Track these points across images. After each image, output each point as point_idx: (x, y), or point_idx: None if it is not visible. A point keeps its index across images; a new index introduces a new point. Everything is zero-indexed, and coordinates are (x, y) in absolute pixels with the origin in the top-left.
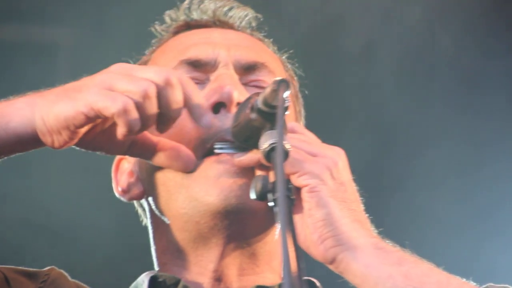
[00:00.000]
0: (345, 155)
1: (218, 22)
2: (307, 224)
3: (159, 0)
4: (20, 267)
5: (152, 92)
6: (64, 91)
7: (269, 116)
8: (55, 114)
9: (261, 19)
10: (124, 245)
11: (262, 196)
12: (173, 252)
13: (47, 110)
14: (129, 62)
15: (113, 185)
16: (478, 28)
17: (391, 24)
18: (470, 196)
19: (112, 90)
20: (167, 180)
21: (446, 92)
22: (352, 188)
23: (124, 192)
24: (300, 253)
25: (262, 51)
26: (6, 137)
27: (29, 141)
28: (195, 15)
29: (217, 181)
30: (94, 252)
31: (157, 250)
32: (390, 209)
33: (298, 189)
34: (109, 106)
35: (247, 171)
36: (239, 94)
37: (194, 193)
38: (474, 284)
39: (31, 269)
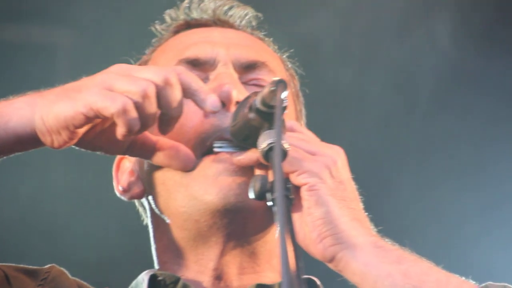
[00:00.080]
0: (344, 154)
1: (218, 21)
2: (306, 222)
3: (159, 0)
4: (21, 265)
5: (152, 92)
6: (64, 91)
7: (267, 116)
8: (55, 114)
9: (262, 18)
10: (124, 244)
11: (261, 196)
12: (173, 250)
13: (46, 110)
14: (129, 62)
15: (114, 184)
16: (476, 28)
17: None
18: (470, 195)
19: (112, 90)
20: (166, 179)
21: (445, 92)
22: (351, 187)
23: (125, 191)
24: (299, 252)
25: (262, 50)
26: (6, 137)
27: (28, 140)
28: (195, 14)
29: (216, 180)
30: (94, 251)
31: (157, 249)
32: (390, 209)
33: (297, 188)
34: (109, 106)
35: (246, 170)
36: (238, 93)
37: (193, 191)
38: (474, 282)
39: (31, 267)
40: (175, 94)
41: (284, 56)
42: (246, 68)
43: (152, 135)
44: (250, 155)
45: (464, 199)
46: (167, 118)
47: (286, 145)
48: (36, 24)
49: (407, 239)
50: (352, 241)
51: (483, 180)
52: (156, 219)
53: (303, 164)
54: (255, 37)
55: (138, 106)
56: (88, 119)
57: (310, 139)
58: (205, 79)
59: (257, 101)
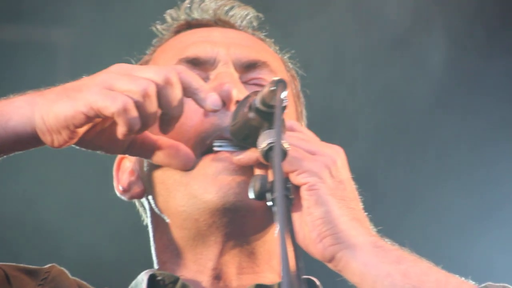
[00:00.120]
0: (344, 154)
1: (219, 22)
2: (306, 222)
3: (160, 0)
4: (21, 265)
5: (152, 91)
6: (64, 90)
7: (267, 115)
8: (55, 114)
9: (263, 19)
10: (124, 244)
11: (260, 196)
12: (173, 250)
13: (46, 109)
14: (130, 62)
15: (114, 183)
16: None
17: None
18: (469, 196)
19: (112, 89)
20: (166, 178)
21: (445, 93)
22: (351, 187)
23: (125, 191)
24: (299, 252)
25: (263, 50)
26: (6, 136)
27: (28, 140)
28: (196, 15)
29: (216, 179)
30: (94, 251)
31: (157, 249)
32: (390, 209)
33: (297, 188)
34: (109, 105)
35: (246, 169)
36: (238, 92)
37: (193, 190)
38: (473, 283)
39: (31, 266)
40: (176, 93)
41: (285, 57)
42: (247, 68)
43: (152, 134)
44: (250, 155)
45: (464, 200)
46: (167, 118)
47: (286, 145)
48: (35, 24)
49: (407, 239)
50: (351, 240)
51: (482, 181)
52: (156, 218)
53: (303, 164)
54: (256, 38)
55: (139, 105)
56: (88, 119)
57: (310, 138)
58: (206, 79)
59: (257, 101)
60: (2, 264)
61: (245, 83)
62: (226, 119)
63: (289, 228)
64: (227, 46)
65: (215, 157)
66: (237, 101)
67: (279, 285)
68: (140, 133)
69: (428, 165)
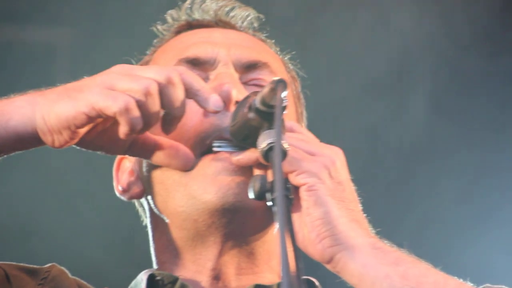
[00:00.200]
0: (343, 155)
1: (219, 22)
2: (306, 222)
3: (160, 0)
4: (21, 264)
5: (154, 89)
6: (65, 90)
7: (267, 115)
8: (56, 114)
9: (263, 19)
10: (124, 244)
11: (260, 196)
12: (172, 250)
13: (47, 109)
14: (130, 62)
15: (114, 184)
16: (480, 33)
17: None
18: (469, 198)
19: (113, 89)
20: (165, 178)
21: (447, 98)
22: (350, 188)
23: (124, 191)
24: (299, 252)
25: (264, 51)
26: (6, 136)
27: (29, 140)
28: (197, 15)
29: (215, 179)
30: (94, 251)
31: (156, 249)
32: (390, 210)
33: (296, 188)
34: (111, 105)
35: (245, 169)
36: (238, 92)
37: (192, 191)
38: (471, 284)
39: (32, 266)
40: (178, 93)
41: (286, 58)
42: (247, 68)
43: (152, 135)
44: (250, 155)
45: (464, 203)
46: (170, 118)
47: (285, 145)
48: (35, 24)
49: (406, 241)
50: (350, 242)
51: (484, 183)
52: (155, 219)
53: (302, 164)
54: (257, 39)
55: (141, 105)
56: (90, 119)
57: (309, 139)
58: (205, 79)
59: (257, 101)
60: (2, 263)
61: (245, 83)
62: (225, 120)
63: (289, 228)
64: (227, 46)
65: (215, 157)
66: (237, 102)
67: (279, 285)
68: (142, 132)
69: (426, 166)
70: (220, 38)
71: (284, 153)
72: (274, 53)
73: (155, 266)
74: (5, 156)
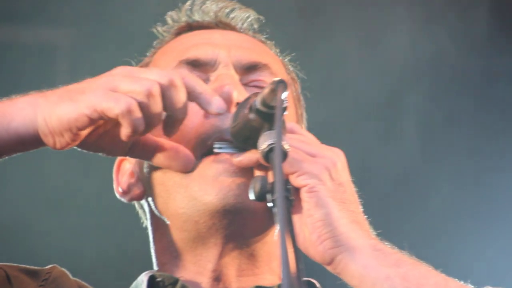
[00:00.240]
0: (344, 156)
1: (220, 24)
2: (306, 224)
3: (160, 1)
4: (22, 265)
5: (156, 91)
6: (67, 92)
7: (268, 116)
8: (58, 116)
9: (263, 21)
10: (123, 245)
11: (261, 197)
12: (172, 252)
13: (49, 111)
14: (130, 64)
15: (114, 186)
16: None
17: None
18: (471, 201)
19: (115, 91)
20: (166, 179)
21: (451, 106)
22: (351, 189)
23: (125, 193)
24: (299, 254)
25: (264, 53)
26: (7, 137)
27: (30, 141)
28: (197, 17)
29: (216, 180)
30: (94, 252)
31: (156, 251)
32: (390, 212)
33: (297, 190)
34: (113, 106)
35: (246, 171)
36: (239, 94)
37: (193, 192)
38: (472, 286)
39: (32, 267)
40: (180, 96)
41: (286, 60)
42: (247, 70)
43: (153, 136)
44: (250, 156)
45: (464, 205)
46: (172, 120)
47: (286, 146)
48: (35, 24)
49: (406, 242)
50: (351, 243)
51: (485, 187)
52: (156, 220)
53: (303, 166)
54: (257, 40)
55: (143, 106)
56: (91, 121)
57: (310, 141)
58: (206, 80)
59: (257, 102)
60: (2, 265)
61: (246, 85)
62: (226, 121)
63: (289, 229)
64: (227, 48)
65: (215, 159)
66: (238, 103)
67: (279, 287)
68: (144, 134)
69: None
70: (220, 39)
71: (285, 154)
72: (274, 54)
73: (155, 267)
74: (6, 157)
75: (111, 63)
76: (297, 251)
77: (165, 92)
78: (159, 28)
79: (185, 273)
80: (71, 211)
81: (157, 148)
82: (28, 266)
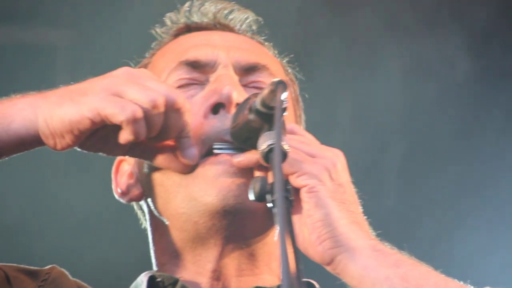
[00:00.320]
0: (344, 157)
1: (218, 25)
2: (306, 224)
3: (159, 2)
4: (21, 265)
5: (161, 103)
6: (68, 92)
7: (267, 117)
8: (60, 118)
9: (262, 22)
10: (123, 246)
11: (260, 197)
12: (172, 252)
13: (50, 112)
14: (129, 65)
15: (113, 186)
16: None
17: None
18: (472, 206)
19: (120, 96)
20: (165, 180)
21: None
22: (350, 190)
23: (123, 193)
24: (299, 254)
25: (262, 54)
26: (8, 138)
27: (31, 142)
28: (196, 18)
29: (216, 181)
30: (93, 252)
31: (156, 251)
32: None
33: (297, 190)
34: (118, 113)
35: (246, 171)
36: (238, 94)
37: (193, 192)
38: (472, 287)
39: (32, 267)
40: (177, 119)
41: (284, 61)
42: (247, 71)
43: None
44: (250, 157)
45: (464, 203)
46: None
47: (286, 147)
48: (35, 25)
49: (406, 243)
50: (351, 244)
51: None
52: (155, 221)
53: (303, 166)
54: (255, 41)
55: (147, 116)
56: (94, 124)
57: (310, 141)
58: (205, 81)
59: (257, 102)
60: (2, 265)
61: (245, 86)
62: (226, 122)
63: (289, 229)
64: (227, 49)
65: (215, 159)
66: (237, 104)
67: (279, 287)
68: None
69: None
70: (219, 40)
71: (284, 155)
72: (273, 55)
73: (154, 268)
74: (6, 158)
75: (111, 63)
76: (296, 251)
77: (166, 111)
78: (158, 30)
79: (184, 273)
80: (71, 212)
81: (157, 149)
82: (27, 267)
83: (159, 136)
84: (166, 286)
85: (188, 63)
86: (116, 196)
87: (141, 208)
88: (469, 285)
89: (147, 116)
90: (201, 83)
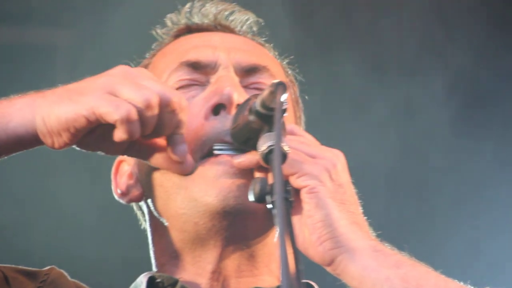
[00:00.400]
0: (344, 158)
1: (219, 26)
2: (306, 225)
3: (160, 3)
4: (20, 266)
5: (155, 102)
6: (66, 92)
7: (267, 118)
8: (57, 116)
9: (262, 24)
10: (122, 246)
11: (260, 198)
12: (171, 253)
13: (48, 111)
14: (129, 65)
15: (113, 187)
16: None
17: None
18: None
19: (115, 95)
20: (165, 180)
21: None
22: (351, 190)
23: (123, 194)
24: (299, 255)
25: (263, 55)
26: (6, 137)
27: (29, 141)
28: (196, 19)
29: (216, 182)
30: (92, 253)
31: (155, 252)
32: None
33: (297, 191)
34: (112, 112)
35: (246, 172)
36: (239, 96)
37: (193, 193)
38: (472, 287)
39: (30, 268)
40: (172, 119)
41: (284, 63)
42: (247, 72)
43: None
44: (250, 158)
45: (464, 202)
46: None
47: (286, 148)
48: (35, 25)
49: (406, 243)
50: (351, 244)
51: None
52: (155, 222)
53: (303, 167)
54: (256, 43)
55: (141, 115)
56: (89, 122)
57: (310, 142)
58: (206, 82)
59: (257, 104)
60: (0, 266)
61: (245, 87)
62: (227, 123)
63: (289, 230)
64: (227, 50)
65: (215, 160)
66: (238, 105)
67: None
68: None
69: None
70: (220, 42)
71: (284, 156)
72: (273, 57)
73: (154, 268)
74: (5, 157)
75: (111, 63)
76: (296, 252)
77: (161, 110)
78: (159, 30)
79: (184, 274)
80: (71, 212)
81: (156, 149)
82: (26, 268)
83: (153, 133)
84: (165, 287)
85: (189, 64)
86: (116, 197)
87: (140, 209)
88: (469, 285)
89: (141, 115)
90: (202, 84)
